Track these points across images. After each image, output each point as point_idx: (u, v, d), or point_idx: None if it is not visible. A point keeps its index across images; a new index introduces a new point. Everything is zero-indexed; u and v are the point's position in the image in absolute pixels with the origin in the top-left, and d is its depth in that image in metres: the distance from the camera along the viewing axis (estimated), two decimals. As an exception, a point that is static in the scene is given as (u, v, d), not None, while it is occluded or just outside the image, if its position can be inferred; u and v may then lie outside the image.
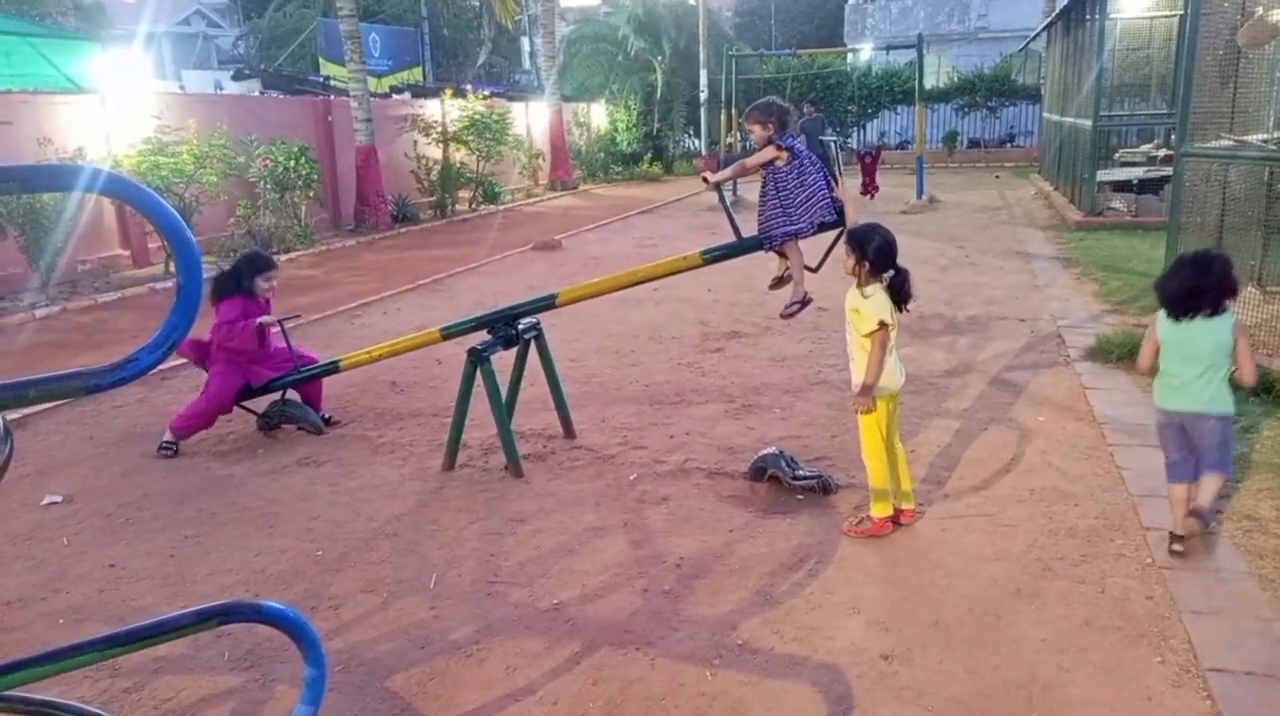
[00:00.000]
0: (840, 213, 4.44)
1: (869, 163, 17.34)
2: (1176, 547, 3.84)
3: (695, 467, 5.05)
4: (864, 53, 31.07)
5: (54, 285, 10.66)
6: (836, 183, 4.51)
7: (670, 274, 5.06)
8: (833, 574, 3.83)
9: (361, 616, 3.67)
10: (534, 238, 14.33)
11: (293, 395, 5.93)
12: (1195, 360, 3.73)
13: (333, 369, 5.83)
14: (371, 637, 3.51)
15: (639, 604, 3.65)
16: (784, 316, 4.88)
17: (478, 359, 4.99)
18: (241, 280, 5.68)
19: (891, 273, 4.00)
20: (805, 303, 4.73)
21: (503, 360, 5.23)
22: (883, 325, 3.92)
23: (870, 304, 3.97)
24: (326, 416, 5.98)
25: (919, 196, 17.44)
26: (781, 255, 4.74)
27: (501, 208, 19.74)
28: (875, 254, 3.96)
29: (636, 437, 5.55)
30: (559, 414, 5.59)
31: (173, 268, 11.60)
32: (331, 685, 3.09)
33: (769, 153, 4.48)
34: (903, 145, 28.09)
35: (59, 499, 4.93)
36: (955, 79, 29.40)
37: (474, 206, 19.23)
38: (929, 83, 25.24)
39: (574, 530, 4.35)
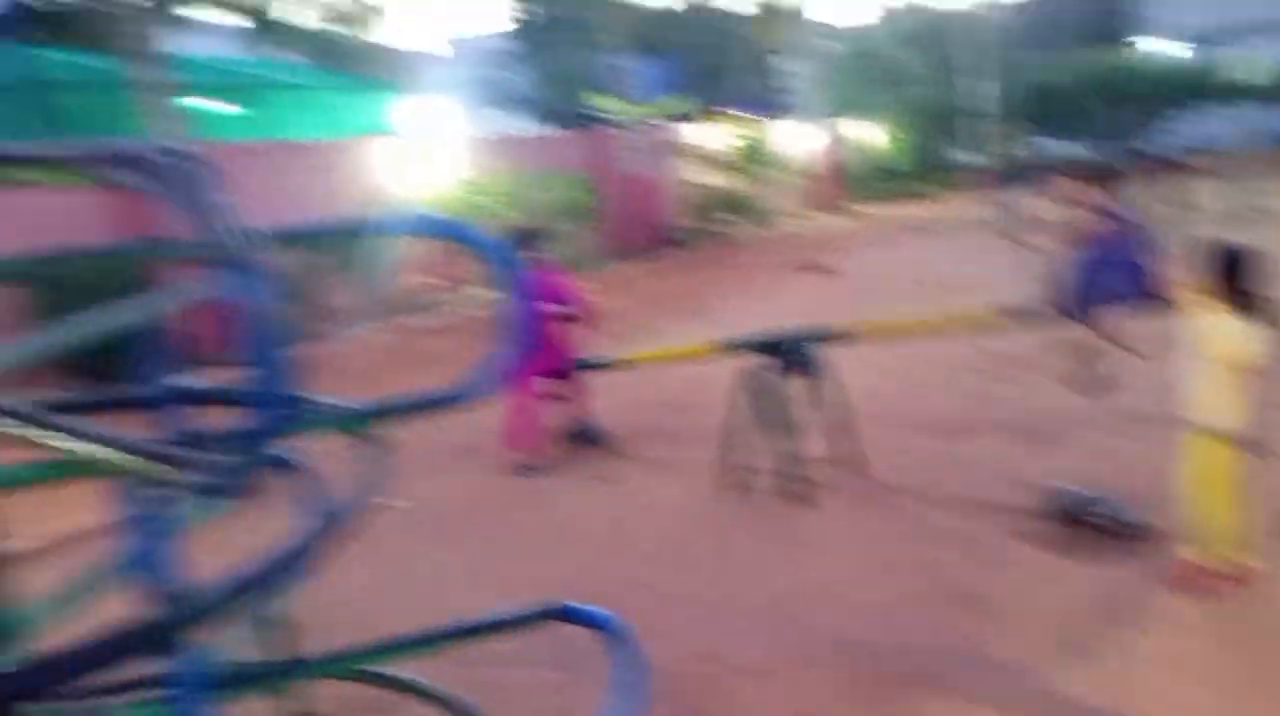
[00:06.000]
0: (1160, 294, 4.12)
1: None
2: None
3: (989, 503, 4.87)
4: (1162, 47, 28.27)
5: (377, 313, 11.99)
6: (1158, 267, 4.21)
7: (976, 331, 4.92)
8: (1149, 626, 3.57)
9: (652, 627, 3.88)
10: (803, 260, 14.34)
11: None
12: None
13: (623, 363, 6.30)
14: (661, 649, 3.70)
15: (931, 640, 3.60)
16: (1087, 397, 4.60)
17: (761, 382, 5.12)
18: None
19: (1247, 295, 3.57)
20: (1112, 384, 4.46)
21: (789, 385, 5.32)
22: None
23: (1244, 332, 3.56)
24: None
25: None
26: (1094, 331, 4.50)
27: (769, 230, 19.93)
28: (1231, 270, 3.56)
29: (925, 469, 5.44)
30: (844, 441, 5.59)
31: (485, 292, 12.67)
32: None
33: (1096, 220, 4.31)
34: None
35: (405, 505, 5.60)
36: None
37: (741, 230, 19.56)
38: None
39: (861, 561, 4.35)
